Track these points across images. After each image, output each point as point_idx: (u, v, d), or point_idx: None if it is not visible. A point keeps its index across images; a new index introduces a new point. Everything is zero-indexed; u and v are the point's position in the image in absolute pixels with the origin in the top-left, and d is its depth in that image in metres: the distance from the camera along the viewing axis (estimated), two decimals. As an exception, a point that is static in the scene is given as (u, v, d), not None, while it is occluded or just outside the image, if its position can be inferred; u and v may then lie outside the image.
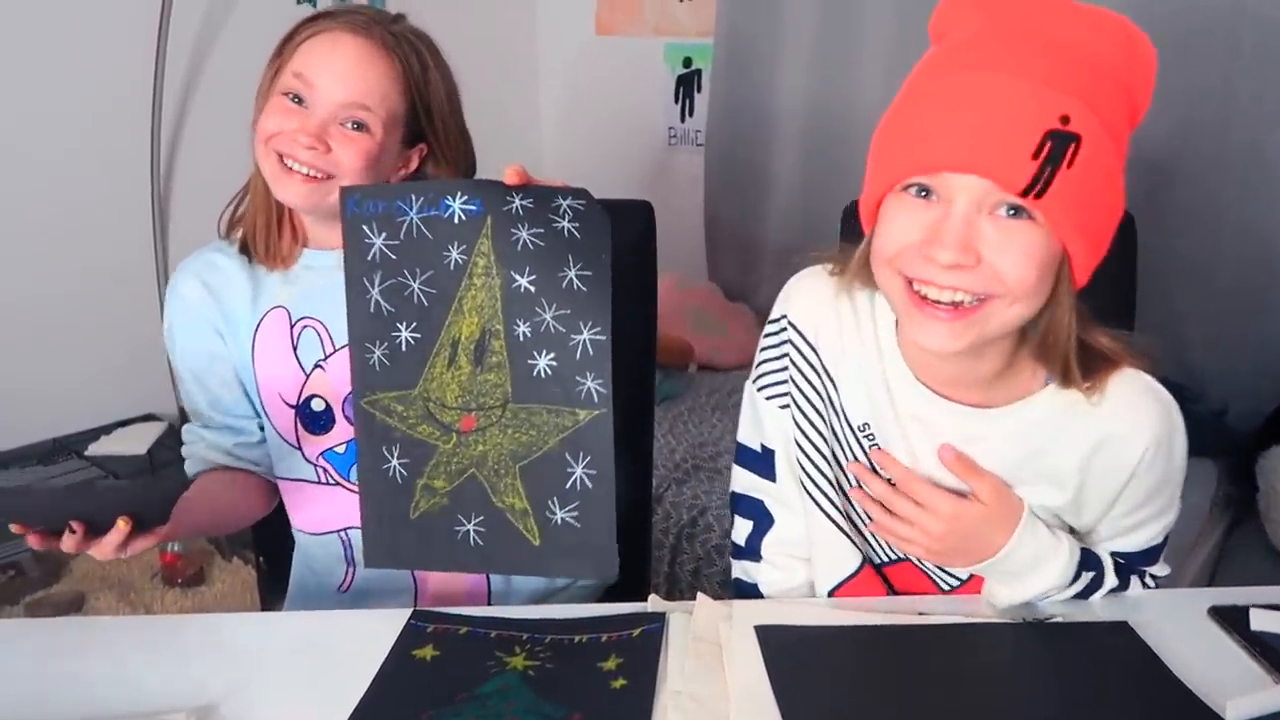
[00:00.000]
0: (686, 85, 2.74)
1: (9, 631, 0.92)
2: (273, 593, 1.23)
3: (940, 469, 0.85)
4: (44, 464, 2.00)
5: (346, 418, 1.06)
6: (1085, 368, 0.80)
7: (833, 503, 0.93)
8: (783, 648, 0.80)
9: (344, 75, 0.96)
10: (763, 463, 0.96)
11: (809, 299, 0.92)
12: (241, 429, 1.08)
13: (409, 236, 0.82)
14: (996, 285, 0.73)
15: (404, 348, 0.83)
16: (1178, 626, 0.85)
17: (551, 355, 0.81)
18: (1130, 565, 0.91)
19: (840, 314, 0.90)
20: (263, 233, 1.05)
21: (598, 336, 0.80)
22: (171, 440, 2.13)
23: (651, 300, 1.30)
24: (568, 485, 0.81)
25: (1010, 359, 0.82)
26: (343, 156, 0.97)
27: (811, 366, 0.92)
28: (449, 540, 0.84)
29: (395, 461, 0.85)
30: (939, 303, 0.74)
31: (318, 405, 1.06)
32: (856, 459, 0.90)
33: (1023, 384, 0.84)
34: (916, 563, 0.92)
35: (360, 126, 0.98)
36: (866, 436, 0.89)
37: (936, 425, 0.85)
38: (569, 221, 0.79)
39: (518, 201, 0.80)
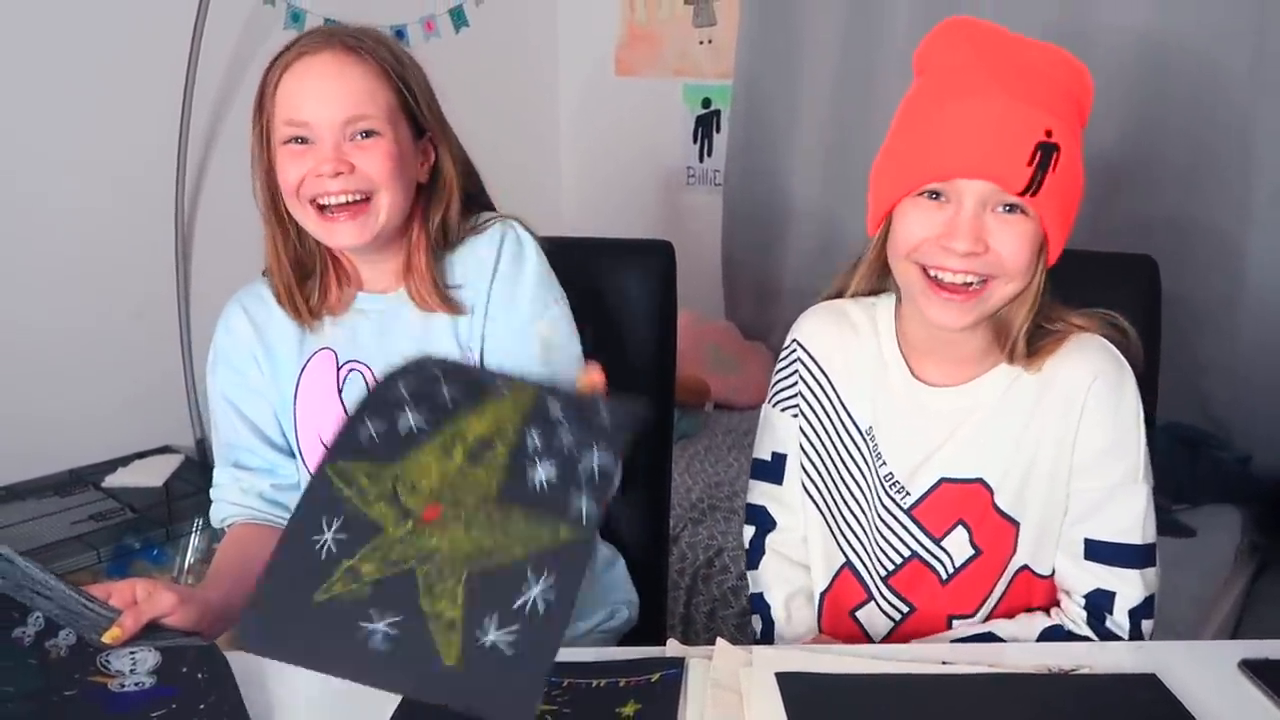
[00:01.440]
0: (705, 126, 2.77)
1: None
2: None
3: (939, 463, 0.95)
4: (61, 495, 2.00)
5: None
6: (1039, 340, 0.94)
7: (828, 504, 1.02)
8: (804, 696, 0.78)
9: (329, 95, 0.95)
10: (771, 469, 1.07)
11: (815, 324, 1.04)
12: (277, 470, 1.07)
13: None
14: (998, 268, 0.88)
15: (403, 432, 0.76)
16: (1207, 679, 0.83)
17: (554, 469, 0.73)
18: (1101, 606, 0.94)
19: (844, 333, 1.02)
20: (292, 294, 1.04)
21: (607, 463, 0.72)
22: (188, 473, 2.13)
23: (671, 339, 1.30)
24: (516, 604, 0.68)
25: (990, 340, 0.95)
26: (369, 168, 0.96)
27: (816, 381, 1.03)
28: (347, 637, 0.70)
29: (329, 535, 0.74)
30: (953, 285, 0.88)
31: None
32: (855, 462, 1.00)
33: (991, 361, 0.96)
34: (921, 561, 0.97)
35: (369, 134, 0.97)
36: (870, 439, 0.99)
37: (930, 407, 0.97)
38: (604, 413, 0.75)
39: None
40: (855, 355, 1.01)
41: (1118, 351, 0.95)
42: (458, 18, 2.54)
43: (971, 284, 0.88)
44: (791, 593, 1.06)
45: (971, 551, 0.96)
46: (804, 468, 1.03)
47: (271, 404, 1.06)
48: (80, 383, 2.08)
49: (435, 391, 0.77)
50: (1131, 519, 0.94)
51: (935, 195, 0.88)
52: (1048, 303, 0.93)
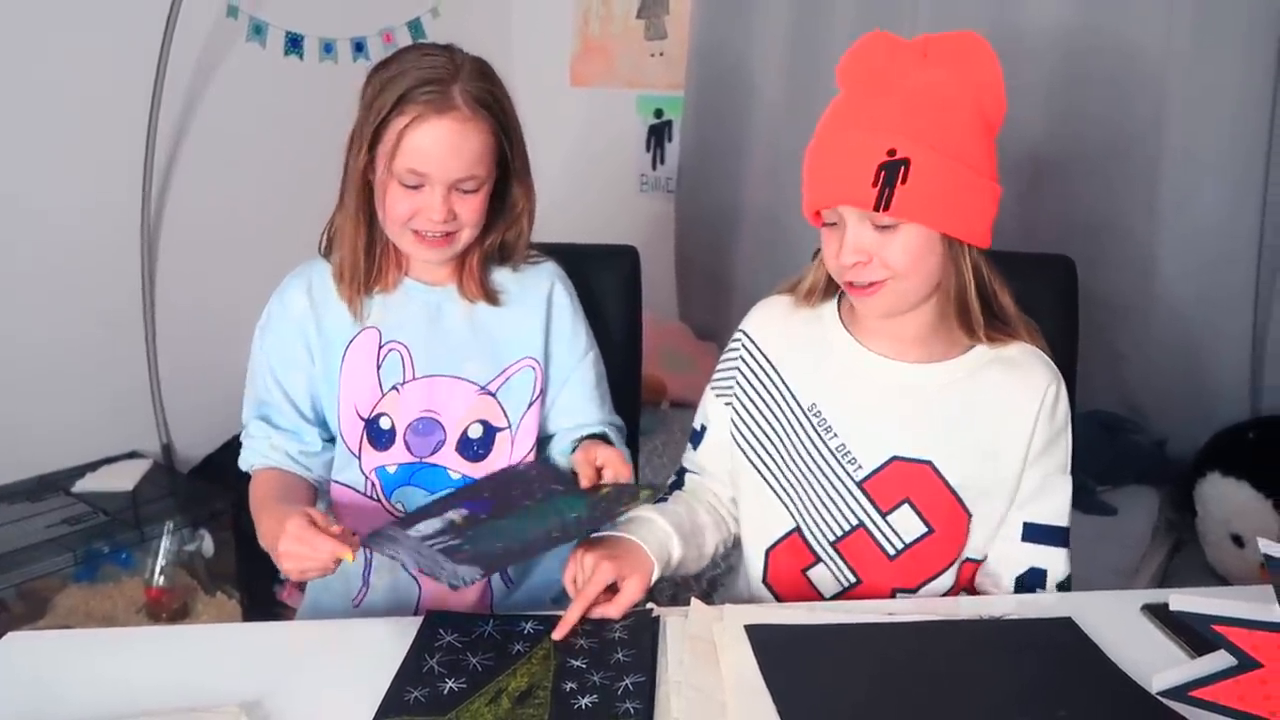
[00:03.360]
0: (658, 135, 2.85)
1: (51, 642, 0.99)
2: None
3: (891, 440, 1.05)
4: (31, 501, 2.02)
5: (405, 442, 1.15)
6: (993, 328, 1.05)
7: (773, 473, 1.11)
8: (770, 643, 0.89)
9: (453, 158, 1.06)
10: (696, 437, 1.20)
11: (762, 315, 1.16)
12: (303, 435, 1.16)
13: (479, 637, 0.95)
14: (887, 271, 0.99)
15: (445, 693, 0.86)
16: (1115, 621, 0.96)
17: (594, 696, 0.85)
18: (1034, 584, 1.06)
19: (790, 322, 1.13)
20: (356, 271, 1.13)
21: (639, 679, 0.86)
22: (157, 477, 2.16)
23: (638, 340, 1.38)
24: None
25: (938, 323, 1.06)
26: (463, 214, 1.10)
27: (759, 364, 1.13)
28: None
29: None
30: (860, 285, 1.01)
31: (385, 424, 1.15)
32: (806, 435, 1.09)
33: (956, 346, 1.07)
34: (867, 532, 1.06)
35: (473, 189, 1.10)
36: (815, 414, 1.08)
37: (880, 380, 1.07)
38: (620, 633, 0.94)
39: (580, 627, 0.95)
40: (798, 340, 1.12)
41: (1052, 364, 1.08)
42: (415, 30, 2.61)
43: (873, 283, 1.00)
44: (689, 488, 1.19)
45: (924, 529, 1.05)
46: (747, 442, 1.13)
47: (311, 378, 1.15)
48: (48, 390, 2.09)
49: (465, 659, 0.91)
50: (1061, 504, 1.07)
51: (831, 220, 1.01)
52: (997, 283, 1.05)
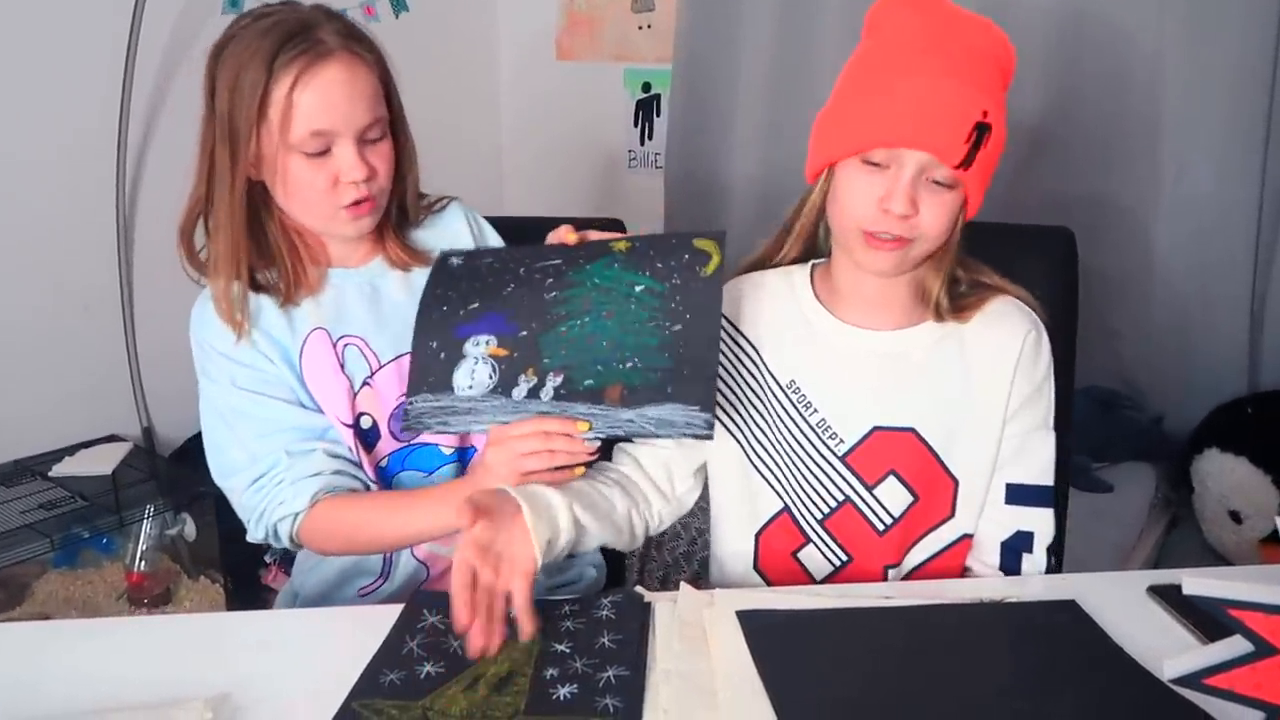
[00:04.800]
0: (646, 110, 2.80)
1: (23, 633, 0.95)
2: (243, 610, 1.25)
3: (871, 411, 1.02)
4: (7, 485, 1.98)
5: (391, 432, 1.09)
6: (962, 295, 1.04)
7: (759, 455, 1.07)
8: (762, 628, 0.86)
9: (353, 105, 0.98)
10: None
11: (734, 296, 1.11)
12: (336, 439, 1.06)
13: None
14: (920, 232, 0.97)
15: (422, 676, 0.82)
16: (1120, 603, 0.92)
17: (574, 686, 0.80)
18: (1020, 548, 1.03)
19: (760, 300, 1.10)
20: (264, 281, 1.05)
21: (623, 672, 0.81)
22: (136, 460, 2.12)
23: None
24: None
25: (916, 289, 1.04)
26: (379, 165, 1.02)
27: (738, 345, 1.10)
28: None
29: None
30: (885, 237, 0.97)
31: (366, 422, 1.09)
32: (786, 412, 1.05)
33: (918, 316, 1.05)
34: (854, 507, 1.03)
35: (380, 136, 1.02)
36: (794, 391, 1.05)
37: (857, 351, 1.04)
38: (608, 611, 0.89)
39: (566, 607, 0.90)
40: (773, 317, 1.09)
41: (1033, 312, 1.05)
42: (397, 3, 2.55)
43: (899, 238, 0.97)
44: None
45: (910, 499, 1.03)
46: (735, 425, 1.09)
47: (290, 385, 1.07)
48: (24, 373, 2.05)
49: (446, 642, 0.85)
50: (1044, 462, 1.04)
51: (873, 164, 0.96)
52: (963, 257, 1.03)
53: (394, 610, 0.92)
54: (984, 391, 1.03)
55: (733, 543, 1.10)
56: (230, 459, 1.05)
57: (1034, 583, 0.99)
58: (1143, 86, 2.08)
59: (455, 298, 1.02)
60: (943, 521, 1.04)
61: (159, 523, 2.03)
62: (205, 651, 0.88)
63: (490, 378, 0.96)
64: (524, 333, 0.97)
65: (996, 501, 1.04)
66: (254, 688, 0.81)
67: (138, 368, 2.23)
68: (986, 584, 1.00)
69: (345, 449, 1.08)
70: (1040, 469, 1.04)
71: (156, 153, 2.21)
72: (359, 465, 1.08)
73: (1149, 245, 2.15)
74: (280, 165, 0.99)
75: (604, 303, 0.96)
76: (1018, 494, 1.03)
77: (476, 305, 1.00)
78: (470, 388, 0.96)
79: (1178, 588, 0.90)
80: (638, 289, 0.96)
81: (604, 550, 1.27)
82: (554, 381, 0.94)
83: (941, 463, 1.03)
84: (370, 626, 0.89)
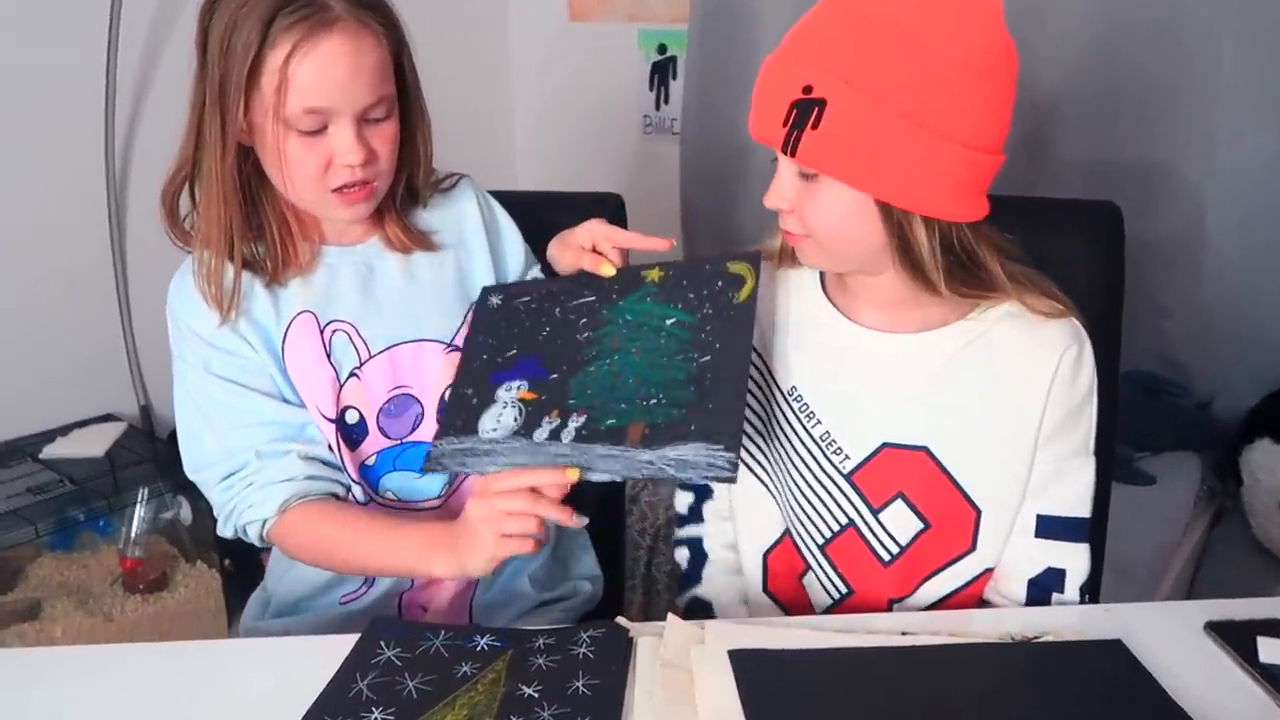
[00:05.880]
0: (661, 72, 2.68)
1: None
2: (238, 597, 1.17)
3: (880, 425, 0.90)
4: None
5: (380, 428, 1.00)
6: (968, 281, 0.87)
7: (764, 469, 0.98)
8: (758, 674, 0.75)
9: (355, 82, 0.89)
10: None
11: None
12: (315, 439, 0.98)
13: (423, 654, 0.81)
14: (807, 229, 0.87)
15: None
16: (1173, 643, 0.81)
17: None
18: (1050, 586, 0.91)
19: (768, 296, 0.99)
20: (253, 258, 0.96)
21: None
22: (131, 441, 2.06)
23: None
24: None
25: (915, 291, 0.88)
26: (380, 148, 0.93)
27: None
28: None
29: None
30: (789, 233, 0.90)
31: (352, 417, 1.00)
32: (788, 422, 0.94)
33: (940, 316, 0.91)
34: (858, 533, 0.92)
35: (384, 116, 0.93)
36: (795, 400, 0.95)
37: (866, 356, 0.92)
38: (586, 649, 0.81)
39: (541, 640, 0.82)
40: (777, 317, 0.98)
41: (1076, 321, 0.91)
42: (401, -38, 2.44)
43: (798, 234, 0.88)
44: (727, 542, 1.04)
45: (920, 526, 0.91)
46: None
47: (270, 374, 0.98)
48: (13, 354, 1.99)
49: (401, 683, 0.77)
50: (1080, 492, 0.92)
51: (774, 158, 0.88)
52: (1000, 239, 0.88)
53: (347, 642, 0.82)
54: (1012, 411, 0.89)
55: (745, 559, 1.01)
56: (203, 451, 0.98)
57: (1071, 615, 0.87)
58: (1195, 49, 1.95)
59: (494, 345, 0.99)
60: (963, 555, 0.92)
61: (154, 506, 1.97)
62: (134, 689, 0.79)
63: (515, 420, 0.91)
64: (554, 375, 0.94)
65: (1025, 533, 0.92)
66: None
67: (134, 344, 2.16)
68: (1017, 617, 0.88)
69: (323, 450, 0.99)
70: (1076, 499, 0.91)
71: (147, 123, 2.11)
72: (338, 467, 1.00)
73: (1199, 216, 2.02)
74: (271, 138, 0.90)
75: (634, 339, 0.93)
76: (1050, 526, 0.91)
77: (514, 352, 0.98)
78: (494, 430, 0.91)
79: (1244, 628, 0.80)
80: (669, 322, 0.92)
81: (601, 560, 1.18)
82: (576, 422, 0.89)
83: (959, 488, 0.91)
84: (324, 659, 0.80)
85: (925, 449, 0.90)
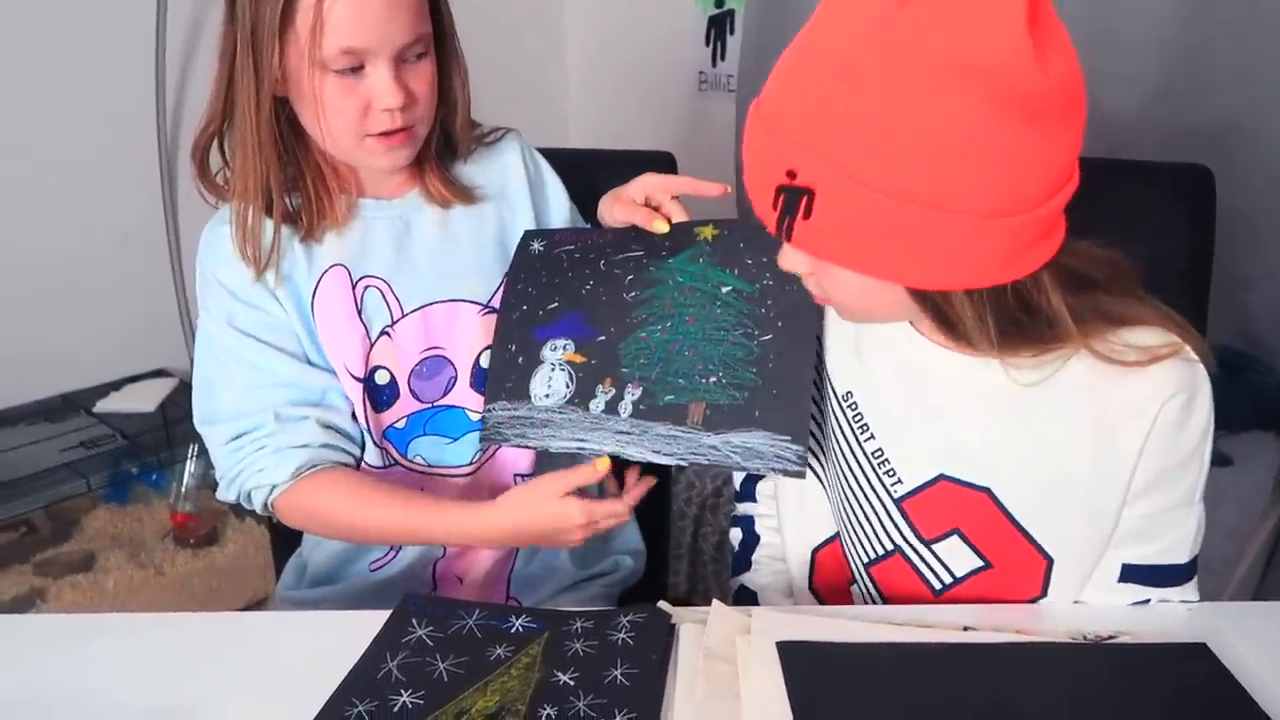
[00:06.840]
0: (718, 27, 2.59)
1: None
2: (287, 553, 1.15)
3: (941, 455, 0.81)
4: (52, 421, 1.96)
5: (411, 390, 0.97)
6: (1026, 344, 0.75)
7: (820, 464, 0.92)
8: (808, 669, 0.70)
9: (391, 20, 0.85)
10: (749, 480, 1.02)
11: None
12: (334, 406, 0.95)
13: (456, 634, 0.78)
14: (825, 294, 0.76)
15: (396, 709, 0.70)
16: (1263, 647, 0.74)
17: None
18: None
19: None
20: (287, 210, 0.93)
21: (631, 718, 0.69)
22: (182, 397, 2.07)
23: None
24: None
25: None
26: (419, 90, 0.90)
27: None
28: None
29: None
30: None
31: (382, 378, 0.97)
32: (839, 428, 0.88)
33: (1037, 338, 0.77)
34: (905, 559, 0.85)
35: (422, 53, 0.90)
36: (850, 406, 0.87)
37: (934, 374, 0.81)
38: (626, 634, 0.77)
39: (579, 624, 0.79)
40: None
41: (1189, 360, 0.76)
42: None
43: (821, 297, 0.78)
44: (776, 525, 0.99)
45: (979, 563, 0.82)
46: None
47: (296, 333, 0.95)
48: (67, 310, 2.01)
49: (431, 665, 0.74)
50: (1179, 539, 0.81)
51: None
52: (1029, 307, 0.73)
53: (380, 617, 0.79)
54: (1095, 462, 0.78)
55: (791, 547, 0.95)
56: (217, 405, 0.95)
57: (1150, 614, 0.80)
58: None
59: (535, 295, 0.96)
60: (1033, 600, 0.83)
61: (205, 461, 1.97)
62: (161, 661, 0.77)
63: (567, 386, 0.89)
64: (602, 337, 0.91)
65: (1107, 583, 0.82)
66: (205, 706, 0.70)
67: (186, 300, 2.17)
68: (1091, 615, 0.81)
69: (342, 418, 0.96)
70: (1172, 546, 0.81)
71: (198, 81, 2.10)
72: (353, 439, 0.97)
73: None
74: (307, 84, 0.86)
75: (687, 305, 0.89)
76: (1135, 573, 0.81)
77: (555, 305, 0.94)
78: (547, 396, 0.90)
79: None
80: (724, 290, 0.88)
81: (644, 532, 1.14)
82: (632, 395, 0.86)
83: (1026, 534, 0.81)
84: (354, 634, 0.77)
85: (988, 490, 0.80)
